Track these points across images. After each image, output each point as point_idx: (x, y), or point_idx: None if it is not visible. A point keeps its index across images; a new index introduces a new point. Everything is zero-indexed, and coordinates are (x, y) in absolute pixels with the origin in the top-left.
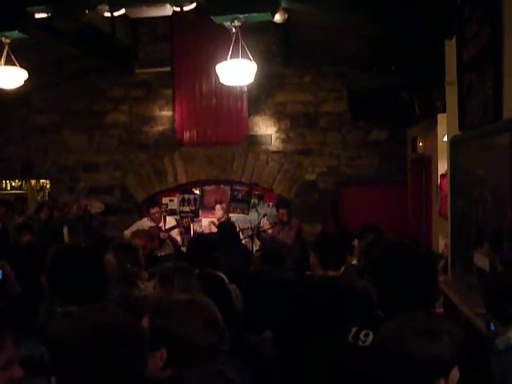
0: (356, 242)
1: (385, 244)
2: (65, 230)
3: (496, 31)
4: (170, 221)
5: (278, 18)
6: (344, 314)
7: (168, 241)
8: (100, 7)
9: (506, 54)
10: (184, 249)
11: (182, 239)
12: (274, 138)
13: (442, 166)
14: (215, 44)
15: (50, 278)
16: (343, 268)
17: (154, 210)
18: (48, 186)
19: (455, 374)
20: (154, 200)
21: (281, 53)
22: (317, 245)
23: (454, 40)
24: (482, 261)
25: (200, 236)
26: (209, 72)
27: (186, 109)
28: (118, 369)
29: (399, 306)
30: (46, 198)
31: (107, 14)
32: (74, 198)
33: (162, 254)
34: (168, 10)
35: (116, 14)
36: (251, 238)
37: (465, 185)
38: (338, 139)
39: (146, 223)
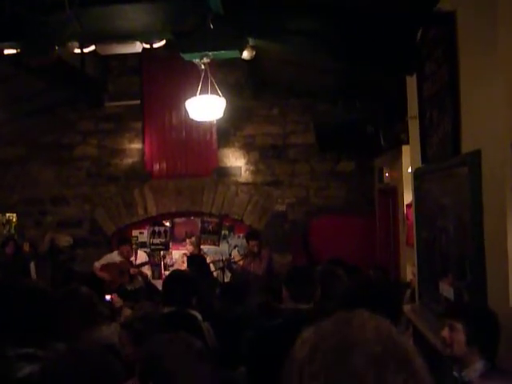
0: None
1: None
2: (32, 265)
3: (453, 71)
4: (141, 255)
5: (245, 55)
6: None
7: (138, 276)
8: (70, 44)
9: (463, 92)
10: (154, 281)
11: (153, 271)
12: (243, 169)
13: (408, 196)
14: (184, 77)
15: None
16: (315, 300)
17: (125, 248)
18: (14, 220)
19: None
20: (124, 237)
21: (249, 86)
22: (287, 279)
23: (414, 76)
24: (447, 290)
25: (177, 274)
26: (178, 105)
27: (156, 141)
28: None
29: None
30: (12, 232)
31: (77, 51)
32: (41, 232)
33: (132, 287)
34: (138, 46)
35: (86, 50)
36: (222, 269)
37: (428, 215)
38: (307, 170)
39: (116, 257)
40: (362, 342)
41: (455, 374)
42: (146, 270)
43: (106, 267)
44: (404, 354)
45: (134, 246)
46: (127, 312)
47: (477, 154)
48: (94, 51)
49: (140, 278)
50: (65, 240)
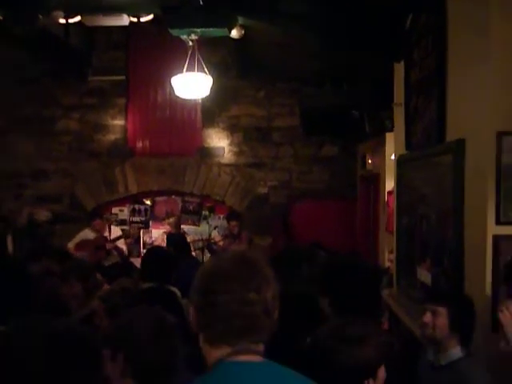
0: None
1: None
2: (9, 239)
3: (441, 58)
4: (116, 231)
5: (234, 33)
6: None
7: (114, 251)
8: (55, 13)
9: (450, 80)
10: (132, 259)
11: (132, 249)
12: (226, 150)
13: (389, 183)
14: (171, 54)
15: None
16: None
17: (97, 223)
18: None
19: (382, 373)
20: (98, 212)
21: (236, 66)
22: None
23: (402, 63)
24: (424, 275)
25: (155, 249)
26: (163, 82)
27: (139, 118)
28: (74, 380)
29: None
30: None
31: (62, 21)
32: (20, 205)
33: (109, 263)
34: (125, 20)
35: (71, 20)
36: (202, 249)
37: (410, 202)
38: (290, 153)
39: (88, 234)
40: (221, 267)
41: (430, 357)
42: (122, 245)
43: (80, 245)
44: (255, 273)
45: (108, 223)
46: (106, 287)
47: (461, 143)
48: (79, 22)
49: (116, 253)
50: (43, 215)
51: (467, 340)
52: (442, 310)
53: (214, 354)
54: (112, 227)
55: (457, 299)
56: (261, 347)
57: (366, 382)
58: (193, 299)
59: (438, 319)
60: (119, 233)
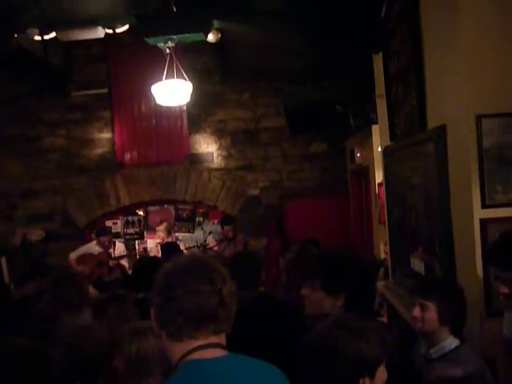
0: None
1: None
2: (3, 260)
3: (417, 46)
4: (120, 247)
5: (211, 37)
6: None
7: (116, 268)
8: (29, 31)
9: (428, 67)
10: (129, 271)
11: (129, 262)
12: (215, 155)
13: (379, 175)
14: (152, 64)
15: None
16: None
17: (105, 239)
18: None
19: (382, 374)
20: (103, 228)
21: (218, 71)
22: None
23: (380, 54)
24: (417, 264)
25: (146, 258)
26: (147, 92)
27: (126, 130)
28: None
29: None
30: None
31: (37, 38)
32: (12, 226)
33: (109, 279)
34: (100, 32)
35: (46, 37)
36: None
37: (398, 193)
38: (279, 153)
39: (93, 247)
40: (175, 266)
41: (423, 350)
42: (124, 262)
43: (83, 258)
44: (207, 268)
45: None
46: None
47: (442, 129)
48: (55, 39)
49: (118, 271)
50: (37, 234)
51: (458, 330)
52: (431, 304)
53: (176, 349)
54: (117, 244)
55: (445, 291)
56: (223, 339)
57: (361, 380)
58: (153, 301)
59: (426, 313)
60: (123, 250)
